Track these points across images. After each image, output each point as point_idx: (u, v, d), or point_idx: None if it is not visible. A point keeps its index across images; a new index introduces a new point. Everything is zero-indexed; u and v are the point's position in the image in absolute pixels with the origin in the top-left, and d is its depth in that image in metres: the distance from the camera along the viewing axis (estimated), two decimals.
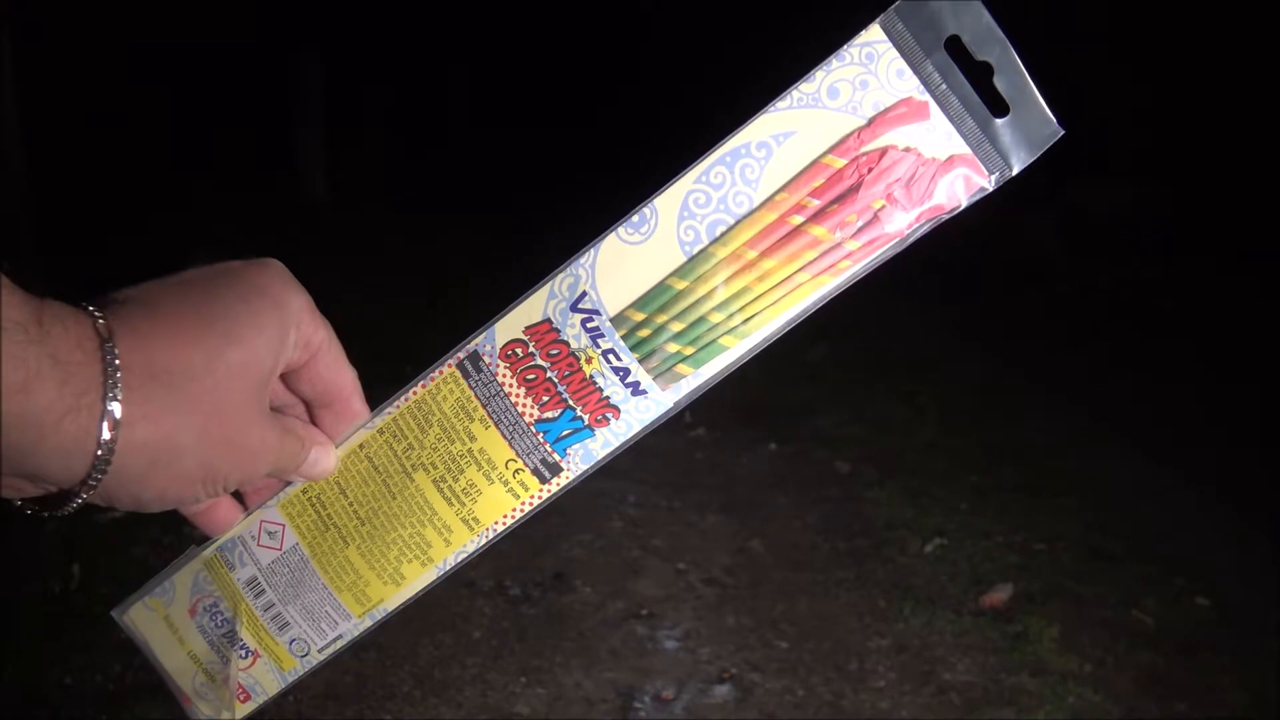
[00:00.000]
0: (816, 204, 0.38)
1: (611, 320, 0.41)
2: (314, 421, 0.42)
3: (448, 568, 0.43)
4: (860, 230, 0.38)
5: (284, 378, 0.40)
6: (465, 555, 0.43)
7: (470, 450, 0.42)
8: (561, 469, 0.42)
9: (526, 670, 1.67)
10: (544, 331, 0.41)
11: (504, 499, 0.42)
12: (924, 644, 1.79)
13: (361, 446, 0.43)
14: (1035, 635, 1.81)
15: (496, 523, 0.42)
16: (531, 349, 0.41)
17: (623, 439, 0.41)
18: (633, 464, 2.50)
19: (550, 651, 1.72)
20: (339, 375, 0.40)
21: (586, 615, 1.83)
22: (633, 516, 2.21)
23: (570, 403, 0.41)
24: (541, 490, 0.42)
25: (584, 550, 2.05)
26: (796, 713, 1.61)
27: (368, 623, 0.44)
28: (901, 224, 0.38)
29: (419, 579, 0.44)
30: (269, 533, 0.44)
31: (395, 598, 0.44)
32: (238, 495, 0.43)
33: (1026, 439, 2.74)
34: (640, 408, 0.41)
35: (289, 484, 0.43)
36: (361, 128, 5.13)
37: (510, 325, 0.41)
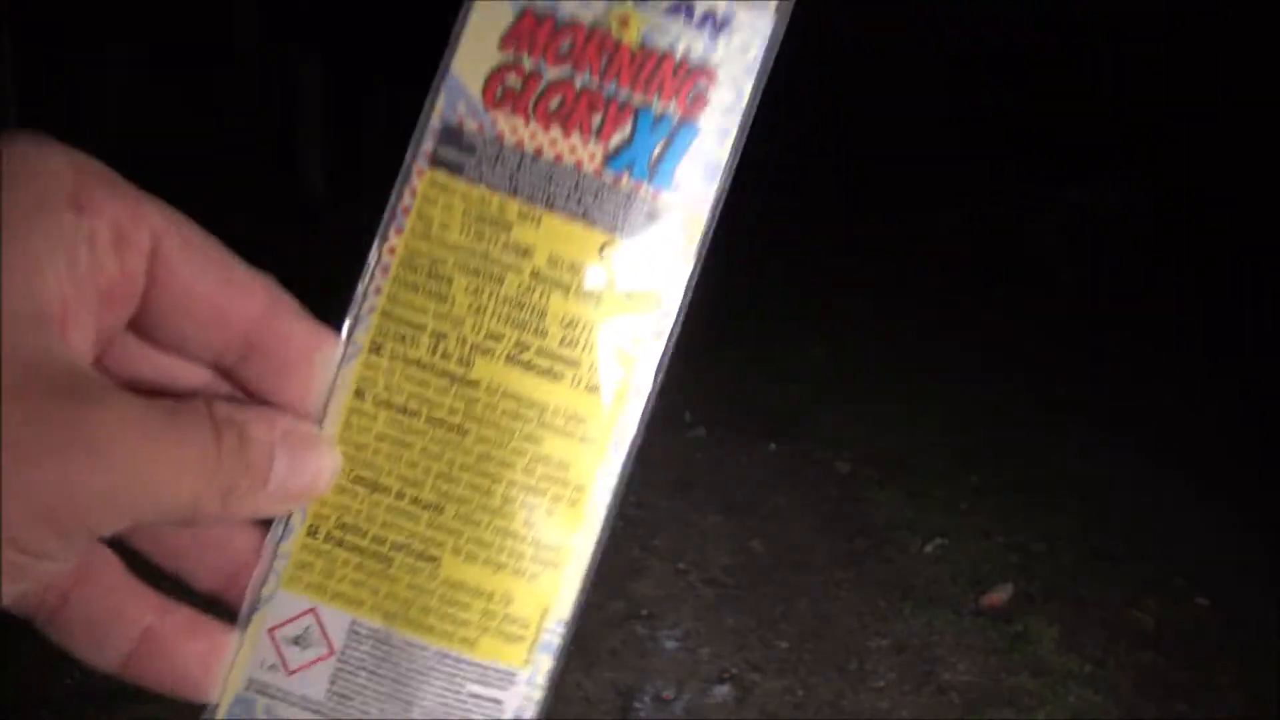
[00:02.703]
0: None
1: None
2: (259, 395, 0.25)
3: (611, 487, 0.27)
4: None
5: (140, 330, 0.24)
6: (629, 434, 0.27)
7: (536, 272, 0.26)
8: (678, 210, 0.26)
9: None
10: (531, 29, 0.26)
11: (627, 306, 0.26)
12: (924, 644, 1.79)
13: (360, 393, 0.25)
14: (1035, 635, 1.81)
15: (638, 357, 0.26)
16: (528, 65, 0.26)
17: (741, 107, 0.26)
18: (632, 464, 2.48)
19: None
20: (228, 286, 0.24)
21: (586, 615, 1.83)
22: (633, 516, 2.22)
23: (636, 99, 0.26)
24: (669, 261, 0.27)
25: None
26: (796, 713, 1.61)
27: (543, 664, 0.27)
28: None
29: (580, 534, 0.27)
30: (293, 639, 0.26)
31: (563, 592, 0.27)
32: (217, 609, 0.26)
33: (1027, 439, 2.74)
34: (742, 45, 0.26)
35: (278, 529, 0.25)
36: (361, 128, 5.14)
37: (474, 53, 0.26)
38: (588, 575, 0.28)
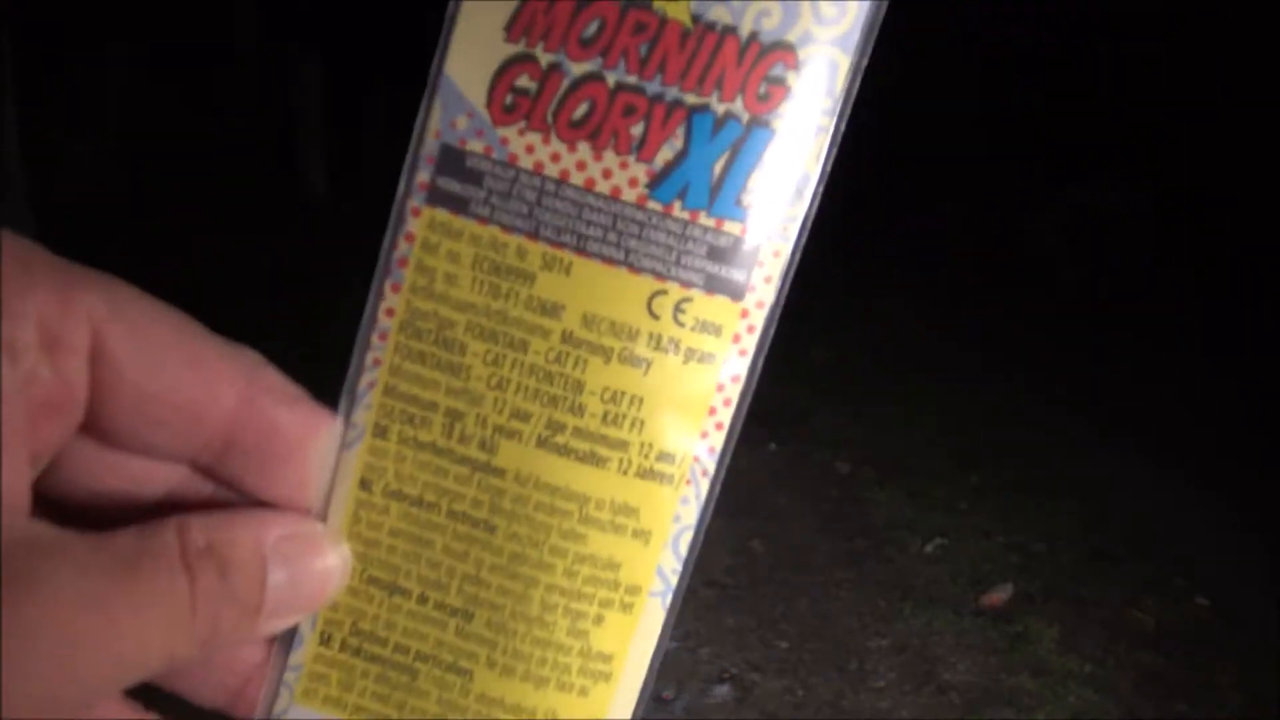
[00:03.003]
0: None
1: None
2: (247, 493, 0.21)
3: (673, 585, 0.23)
4: None
5: (95, 435, 0.20)
6: (693, 523, 0.22)
7: (568, 335, 0.21)
8: (750, 259, 0.20)
9: None
10: (545, 7, 0.20)
11: (686, 378, 0.21)
12: (924, 644, 1.79)
13: (367, 483, 0.21)
14: (1035, 635, 1.81)
15: (701, 433, 0.21)
16: (545, 59, 0.20)
17: (835, 96, 0.20)
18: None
19: None
20: (194, 379, 0.20)
21: None
22: None
23: (690, 98, 0.20)
24: (740, 313, 0.21)
25: None
26: (796, 713, 1.61)
27: None
28: None
29: (636, 640, 0.23)
30: None
31: (618, 707, 0.23)
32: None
33: (1027, 439, 2.74)
34: (835, 9, 0.20)
35: (288, 633, 0.22)
36: (361, 128, 5.14)
37: (474, 47, 0.20)
38: (647, 684, 0.23)
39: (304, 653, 0.22)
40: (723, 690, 1.65)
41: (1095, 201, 4.58)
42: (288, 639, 0.22)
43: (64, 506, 0.20)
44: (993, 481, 2.48)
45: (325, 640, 0.22)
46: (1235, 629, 1.85)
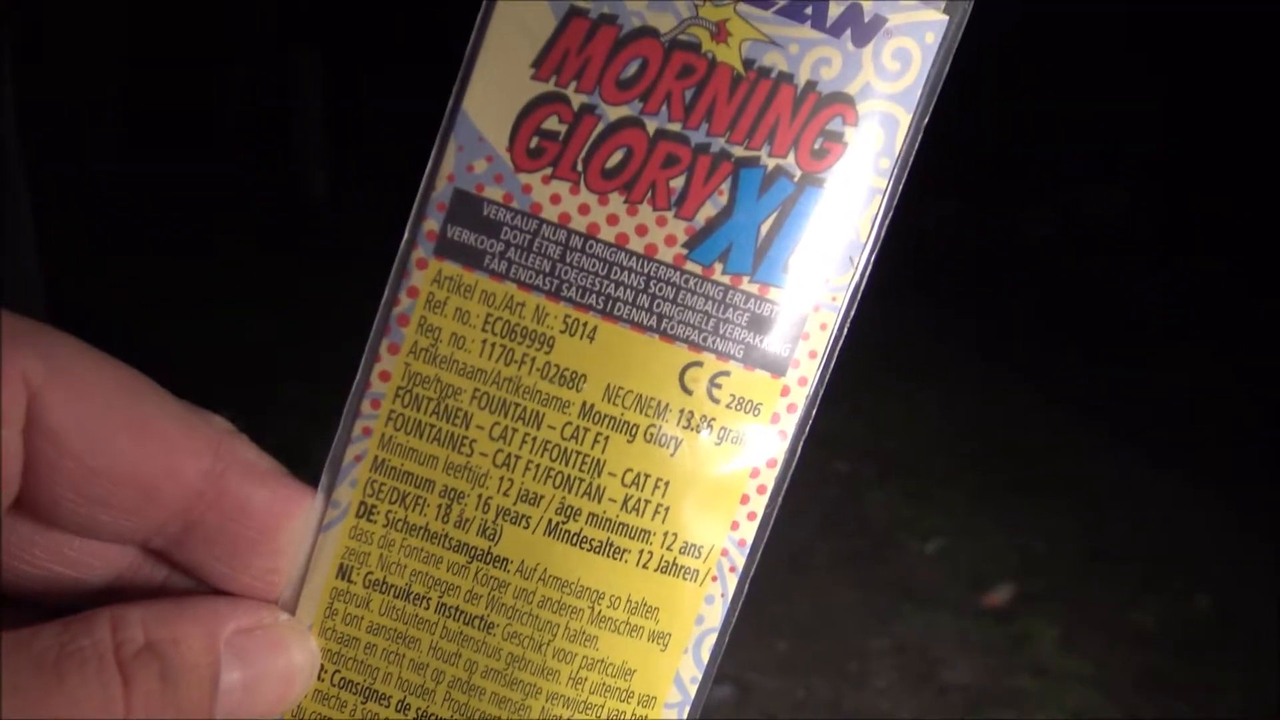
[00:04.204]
0: None
1: None
2: (204, 580, 0.19)
3: (691, 696, 0.22)
4: None
5: (32, 514, 0.18)
6: (717, 624, 0.22)
7: (588, 409, 0.18)
8: (795, 331, 0.19)
9: None
10: (580, 43, 0.17)
11: (718, 460, 0.19)
12: (924, 644, 1.79)
13: (346, 570, 0.19)
14: (1035, 636, 1.81)
15: (733, 522, 0.20)
16: (577, 100, 0.18)
17: (894, 155, 0.19)
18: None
19: None
20: (150, 453, 0.17)
21: None
22: None
23: (737, 150, 0.18)
24: (781, 390, 0.19)
25: None
26: (796, 713, 1.61)
27: None
28: None
29: None
30: None
31: None
32: None
33: (1026, 439, 2.74)
34: (898, 61, 0.18)
35: None
36: (361, 128, 5.14)
37: (497, 83, 0.17)
38: None
39: None
40: (723, 690, 1.65)
41: (1095, 201, 4.59)
42: None
43: None
44: (993, 481, 2.48)
45: None
46: (1236, 629, 1.85)
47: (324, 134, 5.16)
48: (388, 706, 0.19)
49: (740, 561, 0.21)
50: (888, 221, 0.19)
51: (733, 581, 0.21)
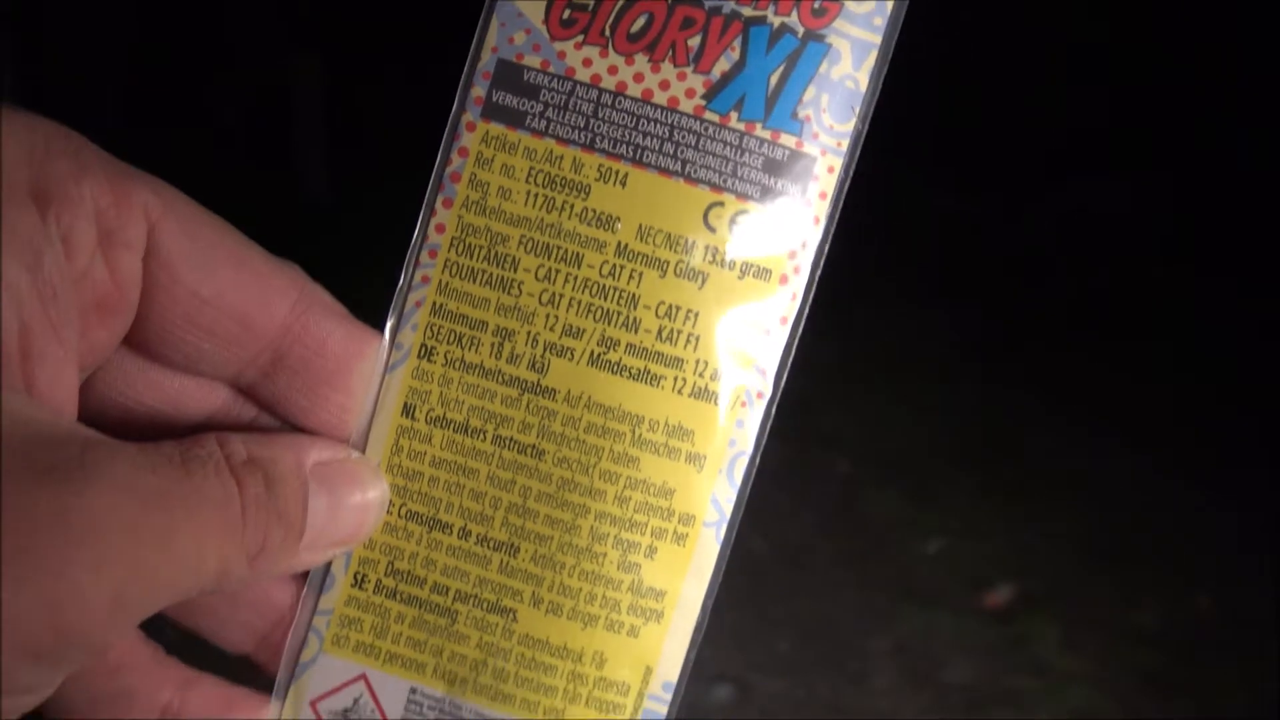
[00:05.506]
0: None
1: None
2: (286, 418, 0.20)
3: (727, 516, 0.23)
4: None
5: (139, 346, 0.19)
6: (748, 449, 0.22)
7: (623, 248, 0.20)
8: (805, 174, 0.20)
9: None
10: None
11: (742, 287, 0.21)
12: (924, 644, 1.79)
13: (410, 409, 0.20)
14: (1036, 636, 1.81)
15: (758, 351, 0.21)
16: None
17: (886, 11, 0.20)
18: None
19: None
20: (247, 285, 0.19)
21: None
22: None
23: (746, 10, 0.20)
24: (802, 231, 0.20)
25: None
26: (796, 713, 1.61)
27: None
28: None
29: (690, 577, 0.23)
30: (341, 711, 0.21)
31: (669, 650, 0.22)
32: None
33: (1027, 438, 2.74)
34: None
35: (317, 575, 0.21)
36: (362, 127, 5.14)
37: None
38: (699, 627, 0.24)
39: (335, 596, 0.21)
40: (723, 690, 1.65)
41: (1095, 200, 4.58)
42: (318, 581, 0.22)
43: (97, 426, 0.19)
44: (993, 481, 2.48)
45: (359, 582, 0.21)
46: (1235, 629, 1.85)
47: (326, 134, 5.16)
48: (450, 534, 0.21)
49: (766, 389, 0.23)
50: (883, 73, 0.21)
51: (760, 407, 0.23)
